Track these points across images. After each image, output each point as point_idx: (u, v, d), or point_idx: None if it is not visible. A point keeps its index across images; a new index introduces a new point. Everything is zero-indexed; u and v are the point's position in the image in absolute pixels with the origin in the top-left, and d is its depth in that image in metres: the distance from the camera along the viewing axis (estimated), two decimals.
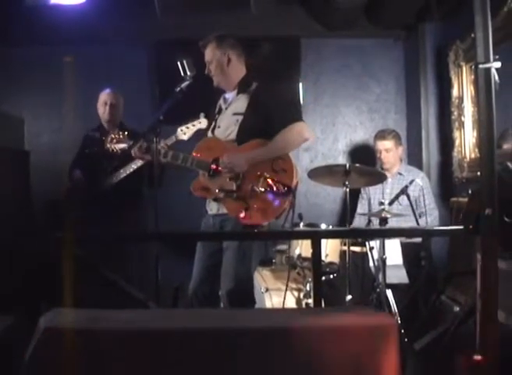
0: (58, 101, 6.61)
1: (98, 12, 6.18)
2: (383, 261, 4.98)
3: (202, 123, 4.76)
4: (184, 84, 4.22)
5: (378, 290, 5.00)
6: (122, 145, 4.39)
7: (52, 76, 6.56)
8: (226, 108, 4.40)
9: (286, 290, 4.86)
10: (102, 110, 5.91)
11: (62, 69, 6.38)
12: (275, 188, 4.01)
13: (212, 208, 4.34)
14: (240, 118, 4.23)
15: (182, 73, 4.23)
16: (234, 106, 4.33)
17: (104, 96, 5.92)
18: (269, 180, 4.03)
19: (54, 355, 2.28)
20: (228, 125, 4.31)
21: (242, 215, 4.07)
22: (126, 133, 4.45)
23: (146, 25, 6.57)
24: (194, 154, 4.24)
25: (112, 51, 6.72)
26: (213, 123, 4.48)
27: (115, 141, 4.39)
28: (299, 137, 4.22)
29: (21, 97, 6.83)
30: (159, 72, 6.77)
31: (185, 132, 4.80)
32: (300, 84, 6.85)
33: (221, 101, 4.52)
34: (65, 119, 6.45)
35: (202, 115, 4.76)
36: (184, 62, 4.21)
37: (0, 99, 6.44)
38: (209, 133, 4.48)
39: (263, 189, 4.04)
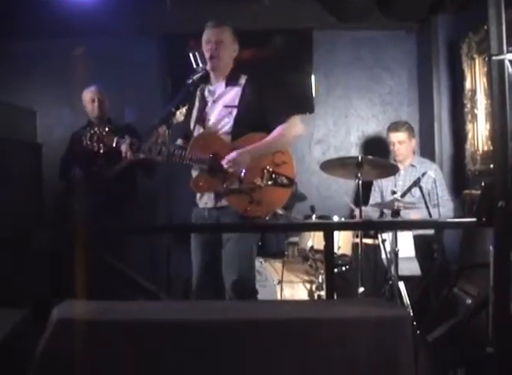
0: (69, 93, 6.61)
1: (109, 4, 6.20)
2: (395, 253, 4.97)
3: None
4: (196, 76, 4.22)
5: (390, 282, 4.99)
6: (108, 143, 4.22)
7: (63, 68, 6.56)
8: (214, 101, 4.35)
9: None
10: (90, 107, 5.96)
11: (73, 61, 6.39)
12: (279, 181, 4.10)
13: (207, 201, 4.29)
14: (234, 110, 4.24)
15: (194, 65, 4.23)
16: (225, 98, 4.32)
17: (91, 94, 5.96)
18: (273, 174, 4.12)
19: (66, 347, 2.29)
20: (220, 117, 4.29)
21: (248, 208, 4.10)
22: (107, 129, 4.26)
23: (157, 17, 6.57)
24: (191, 150, 4.16)
25: (122, 43, 6.72)
26: (195, 115, 4.41)
27: (95, 138, 4.21)
28: (296, 132, 4.32)
29: (33, 89, 6.84)
30: (170, 64, 6.78)
31: (182, 113, 4.72)
32: (313, 76, 6.83)
33: (205, 94, 4.43)
34: (76, 111, 6.45)
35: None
36: (196, 53, 4.21)
37: (12, 92, 6.45)
38: (197, 127, 4.37)
39: (269, 182, 4.11)
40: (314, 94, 6.85)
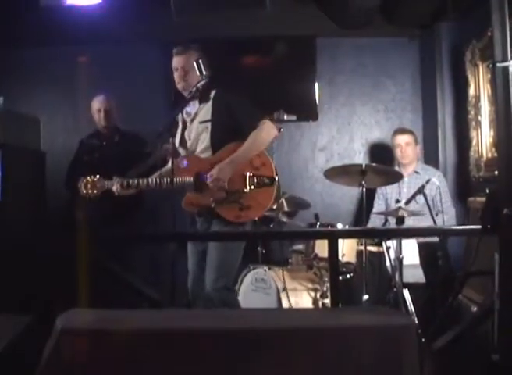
0: (73, 101, 6.63)
1: (114, 12, 6.21)
2: (400, 260, 4.97)
3: None
4: (200, 84, 4.26)
5: (395, 289, 4.99)
6: (100, 187, 4.52)
7: (68, 76, 6.58)
8: (192, 120, 4.54)
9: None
10: (97, 117, 5.98)
11: (78, 69, 6.40)
12: (261, 182, 4.32)
13: (200, 219, 4.53)
14: (209, 125, 4.43)
15: (198, 73, 4.26)
16: (200, 116, 4.50)
17: (98, 103, 5.99)
18: (254, 178, 4.32)
19: (70, 355, 2.28)
20: (198, 134, 4.48)
21: (241, 215, 4.32)
22: (98, 176, 4.52)
23: (161, 25, 6.58)
24: (175, 175, 4.30)
25: (127, 51, 6.73)
26: (178, 138, 4.62)
27: (89, 186, 4.51)
28: (269, 136, 4.47)
29: (37, 97, 6.87)
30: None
31: None
32: (316, 84, 6.83)
33: (183, 116, 4.62)
34: (80, 119, 6.45)
35: None
36: (200, 61, 4.25)
37: (16, 100, 6.45)
38: (180, 150, 4.61)
39: (252, 187, 4.31)
40: (317, 102, 6.85)
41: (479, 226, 3.16)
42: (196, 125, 4.49)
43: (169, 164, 4.57)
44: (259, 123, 4.39)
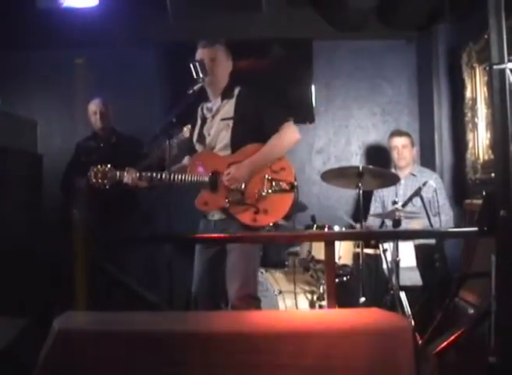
0: (70, 104, 6.63)
1: (111, 15, 6.21)
2: (397, 263, 4.97)
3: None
4: (197, 86, 4.24)
5: (391, 292, 4.99)
6: (111, 177, 4.41)
7: (65, 79, 6.59)
8: (213, 117, 4.43)
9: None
10: (93, 119, 6.07)
11: (75, 71, 6.40)
12: (279, 187, 4.17)
13: (214, 214, 4.37)
14: (231, 122, 4.31)
15: (194, 75, 4.24)
16: (222, 112, 4.39)
17: (93, 106, 6.06)
18: (273, 182, 4.18)
19: (67, 358, 2.28)
20: (218, 131, 4.37)
21: (256, 218, 4.17)
22: (109, 165, 4.43)
23: (158, 28, 6.57)
24: (190, 172, 4.28)
25: (124, 53, 6.74)
26: (196, 133, 4.52)
27: (100, 175, 4.40)
28: (291, 140, 4.33)
29: (34, 100, 6.87)
30: (171, 74, 6.78)
31: (188, 129, 4.74)
32: (313, 86, 6.83)
33: (203, 112, 4.55)
34: (77, 122, 6.46)
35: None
36: (197, 64, 4.23)
37: (13, 102, 6.44)
38: (198, 146, 4.51)
39: (269, 191, 4.17)
40: (314, 105, 6.85)
41: (476, 228, 3.17)
42: (217, 122, 4.38)
43: (185, 160, 4.57)
44: (282, 125, 4.25)
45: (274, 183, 4.18)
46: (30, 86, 6.83)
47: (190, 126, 4.55)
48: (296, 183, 4.20)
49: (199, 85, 4.24)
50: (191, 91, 4.24)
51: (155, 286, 5.27)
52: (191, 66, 4.24)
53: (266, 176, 4.19)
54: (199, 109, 4.57)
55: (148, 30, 6.62)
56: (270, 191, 4.17)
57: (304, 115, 6.87)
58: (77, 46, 6.45)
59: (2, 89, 6.42)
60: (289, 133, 4.28)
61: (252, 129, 4.26)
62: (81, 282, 3.29)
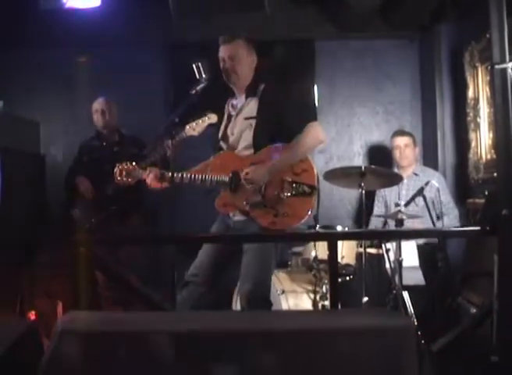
0: (72, 104, 6.64)
1: (113, 15, 6.23)
2: (399, 263, 4.97)
3: (211, 118, 4.58)
4: (199, 87, 4.20)
5: (394, 292, 4.99)
6: (135, 176, 4.42)
7: (67, 79, 6.60)
8: (237, 115, 4.37)
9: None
10: (96, 118, 6.02)
11: (77, 72, 6.41)
12: (300, 190, 4.08)
13: (235, 213, 4.30)
14: (253, 122, 4.22)
15: (197, 76, 4.22)
16: (245, 111, 4.32)
17: (97, 104, 6.03)
18: (293, 184, 4.09)
19: (70, 358, 2.28)
20: (241, 130, 4.30)
21: (275, 221, 4.09)
22: (134, 163, 4.45)
23: (161, 28, 6.58)
24: (211, 172, 4.22)
25: (126, 53, 6.73)
26: (221, 131, 4.45)
27: (124, 173, 4.41)
28: (316, 141, 4.25)
29: (36, 101, 6.87)
30: (174, 74, 6.79)
31: (194, 128, 4.65)
32: (315, 86, 6.84)
33: (229, 108, 4.48)
34: (80, 122, 6.47)
35: (209, 112, 4.65)
36: (199, 64, 4.20)
37: (15, 103, 6.46)
38: (222, 144, 4.43)
39: (289, 194, 4.08)
40: (316, 104, 6.86)
41: (478, 228, 3.17)
42: (240, 120, 4.31)
43: (211, 158, 4.45)
44: (305, 124, 4.13)
45: (294, 186, 4.08)
46: (33, 87, 6.82)
47: (194, 124, 4.45)
48: (317, 186, 4.12)
49: (202, 85, 4.22)
50: (194, 92, 4.22)
51: (158, 285, 5.28)
52: (194, 66, 4.22)
53: (287, 179, 4.09)
54: (226, 105, 4.49)
55: (151, 30, 6.62)
56: (290, 194, 4.08)
57: None
58: (80, 46, 6.46)
59: (5, 90, 6.44)
60: (314, 134, 4.17)
61: (275, 128, 4.17)
62: (84, 281, 3.30)
